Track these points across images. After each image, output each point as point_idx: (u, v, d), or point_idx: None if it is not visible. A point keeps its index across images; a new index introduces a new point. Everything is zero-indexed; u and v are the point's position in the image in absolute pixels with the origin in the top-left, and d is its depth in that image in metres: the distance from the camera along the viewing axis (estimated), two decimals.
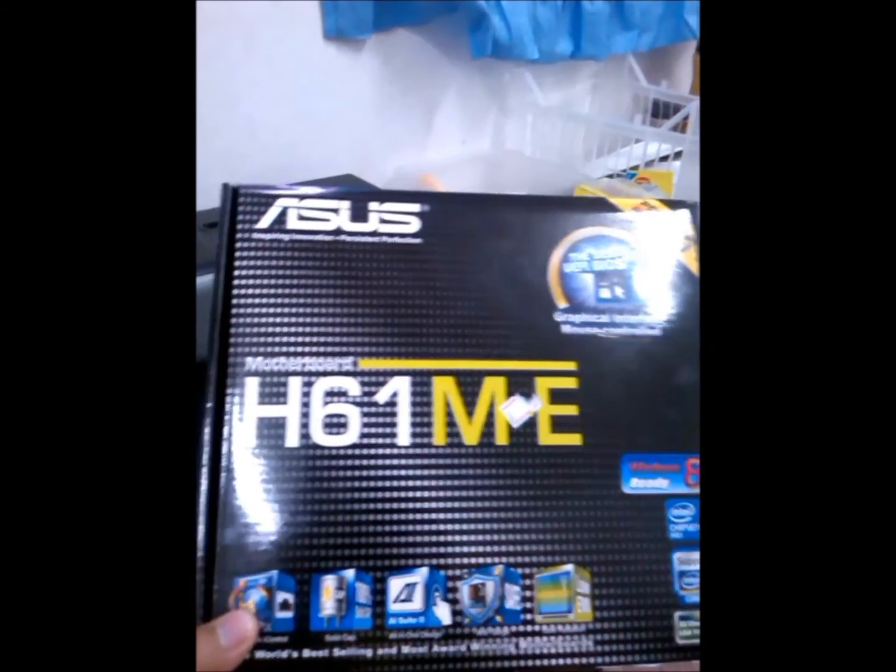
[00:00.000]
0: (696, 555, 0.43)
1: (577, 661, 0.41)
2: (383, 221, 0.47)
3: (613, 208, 0.50)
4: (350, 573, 0.41)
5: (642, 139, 1.11)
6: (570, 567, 0.42)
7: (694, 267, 0.49)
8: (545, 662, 0.41)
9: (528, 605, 0.42)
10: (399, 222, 0.48)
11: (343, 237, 0.47)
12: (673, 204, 0.51)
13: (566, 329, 0.46)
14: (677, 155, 1.11)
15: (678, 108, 1.10)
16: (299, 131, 0.96)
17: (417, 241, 0.47)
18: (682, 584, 0.43)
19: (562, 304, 0.47)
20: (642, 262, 0.49)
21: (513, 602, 0.41)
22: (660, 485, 0.44)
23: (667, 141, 1.09)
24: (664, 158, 1.15)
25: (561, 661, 0.41)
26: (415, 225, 0.48)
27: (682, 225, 0.50)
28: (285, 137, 0.95)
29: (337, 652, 0.40)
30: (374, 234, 0.47)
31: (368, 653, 0.40)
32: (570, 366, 0.45)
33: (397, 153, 1.10)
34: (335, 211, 0.47)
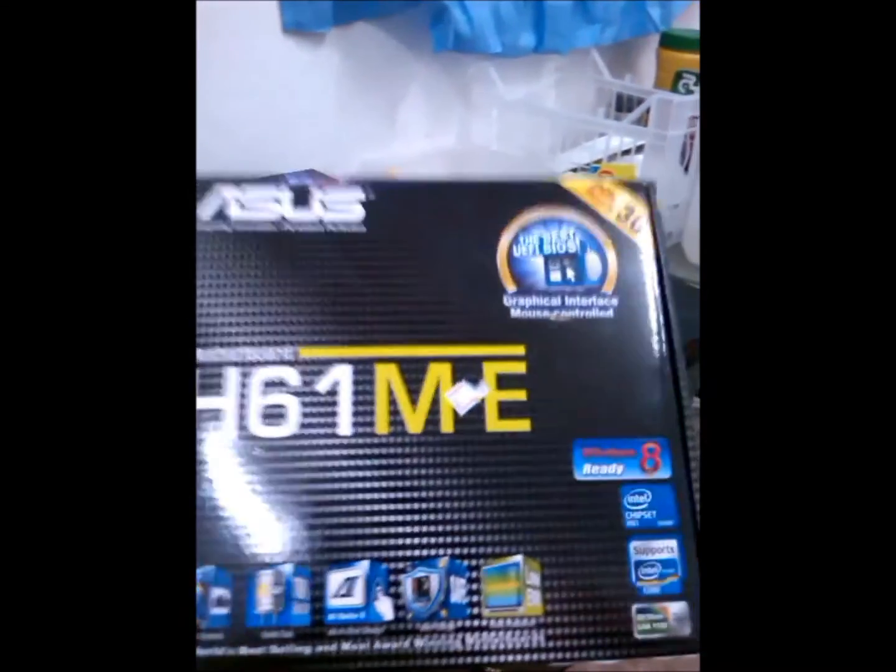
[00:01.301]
0: (653, 543, 0.41)
1: (527, 657, 0.39)
2: (327, 209, 0.46)
3: (566, 190, 0.49)
4: (288, 568, 0.40)
5: (606, 133, 1.10)
6: (518, 558, 0.40)
7: (648, 248, 0.48)
8: (493, 659, 0.39)
9: (475, 598, 0.40)
10: (343, 210, 0.46)
11: (287, 227, 0.45)
12: (629, 185, 0.49)
13: (515, 313, 0.45)
14: (639, 149, 1.09)
15: (641, 102, 1.08)
16: (260, 127, 0.94)
17: (362, 229, 0.46)
18: (639, 574, 0.41)
19: (511, 287, 0.45)
20: (595, 244, 0.47)
21: (459, 596, 0.40)
22: (614, 471, 0.42)
23: (629, 134, 1.08)
24: (626, 152, 1.13)
25: (510, 658, 0.39)
26: (360, 212, 0.46)
27: (638, 205, 0.49)
28: (246, 134, 0.92)
29: (274, 649, 0.38)
30: (318, 223, 0.46)
31: (307, 650, 0.38)
32: (519, 350, 0.44)
33: (362, 148, 1.09)
34: (277, 200, 0.46)
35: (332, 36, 0.98)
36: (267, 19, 0.91)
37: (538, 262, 0.46)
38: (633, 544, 0.41)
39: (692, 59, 1.25)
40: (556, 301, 0.45)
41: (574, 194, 0.48)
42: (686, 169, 1.11)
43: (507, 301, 0.45)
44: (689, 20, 1.36)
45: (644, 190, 0.49)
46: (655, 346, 0.45)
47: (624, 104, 1.20)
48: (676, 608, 0.40)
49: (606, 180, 0.49)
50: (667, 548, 0.41)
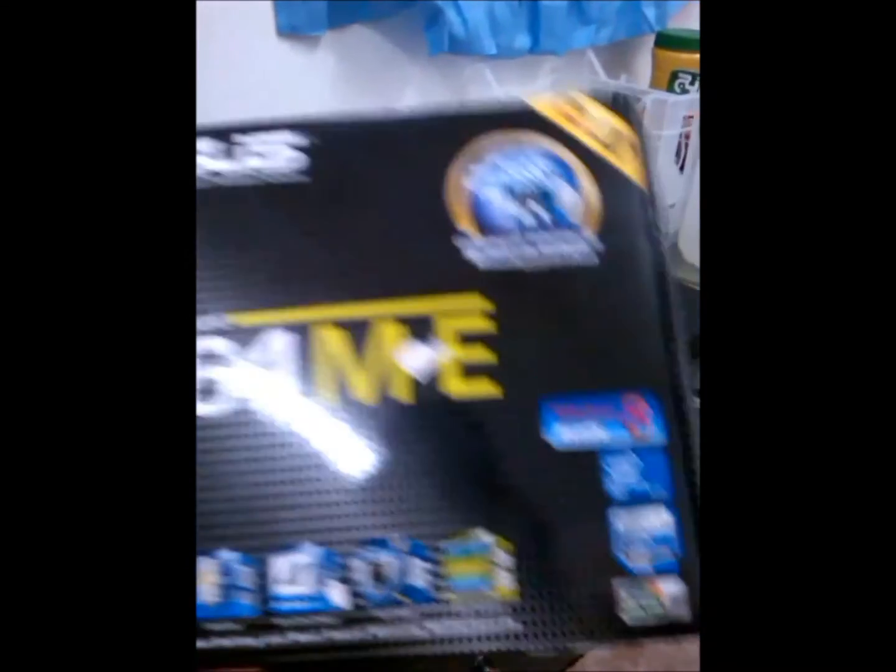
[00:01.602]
0: (641, 515, 0.36)
1: (499, 644, 0.35)
2: (256, 157, 0.41)
3: (531, 111, 0.41)
4: (230, 555, 0.36)
5: None
6: (485, 535, 0.36)
7: (634, 173, 0.41)
8: (461, 647, 0.35)
9: (438, 581, 0.35)
10: (275, 157, 0.41)
11: (218, 180, 0.40)
12: (603, 98, 0.42)
13: (470, 255, 0.39)
14: None
15: (637, 102, 1.07)
16: None
17: (295, 176, 0.40)
18: (625, 549, 0.35)
19: (463, 226, 0.39)
20: (568, 173, 0.40)
21: (419, 579, 0.35)
22: (592, 433, 0.37)
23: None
24: None
25: (481, 646, 0.35)
26: (292, 158, 0.41)
27: (622, 125, 0.41)
28: None
29: (221, 642, 0.35)
30: (245, 173, 0.41)
31: (255, 642, 0.35)
32: (481, 302, 0.38)
33: None
34: (202, 152, 0.41)
35: (326, 39, 0.96)
36: (261, 22, 0.90)
37: (497, 195, 0.40)
38: (619, 516, 0.36)
39: (687, 58, 1.24)
40: (525, 245, 0.39)
41: (541, 115, 0.41)
42: (681, 168, 1.13)
43: (457, 242, 0.39)
44: (685, 20, 1.36)
45: (622, 100, 0.42)
46: (647, 298, 0.39)
47: (619, 104, 1.17)
48: (672, 588, 0.35)
49: (581, 96, 0.41)
50: (659, 520, 0.36)
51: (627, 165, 0.40)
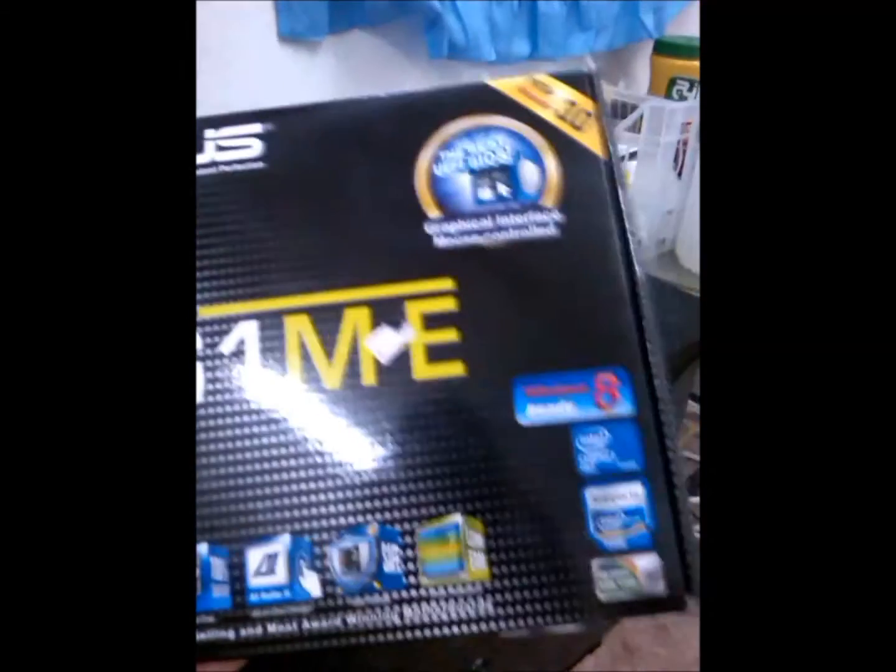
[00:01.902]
0: (613, 490, 0.35)
1: (473, 627, 0.34)
2: (221, 149, 0.41)
3: (494, 92, 0.41)
4: (202, 548, 0.35)
5: None
6: (457, 518, 0.35)
7: (596, 148, 0.40)
8: (435, 632, 0.34)
9: (411, 566, 0.35)
10: (239, 147, 0.41)
11: None
12: (569, 76, 0.41)
13: (440, 242, 0.39)
14: (633, 155, 1.09)
15: (635, 109, 1.10)
16: None
17: (260, 165, 0.40)
18: (598, 526, 0.34)
19: (433, 213, 0.39)
20: (531, 151, 0.40)
21: (392, 565, 0.35)
22: (563, 410, 0.36)
23: (623, 141, 1.09)
24: (620, 158, 1.12)
25: (455, 630, 0.34)
26: (257, 148, 0.41)
27: (581, 98, 0.41)
28: None
29: (196, 635, 0.34)
30: (211, 164, 0.40)
31: (231, 634, 0.34)
32: (447, 284, 0.38)
33: None
34: None
35: (327, 43, 0.97)
36: (263, 27, 0.91)
37: (464, 179, 0.39)
38: (590, 492, 0.35)
39: (685, 65, 1.25)
40: (487, 223, 0.39)
41: (504, 95, 0.41)
42: (679, 175, 1.13)
43: (429, 228, 0.39)
44: (683, 27, 1.37)
45: (587, 79, 0.41)
46: (611, 268, 0.38)
47: (618, 111, 1.19)
48: (646, 562, 0.34)
49: (541, 73, 0.41)
50: (631, 494, 0.35)
51: (590, 140, 0.40)
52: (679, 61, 1.25)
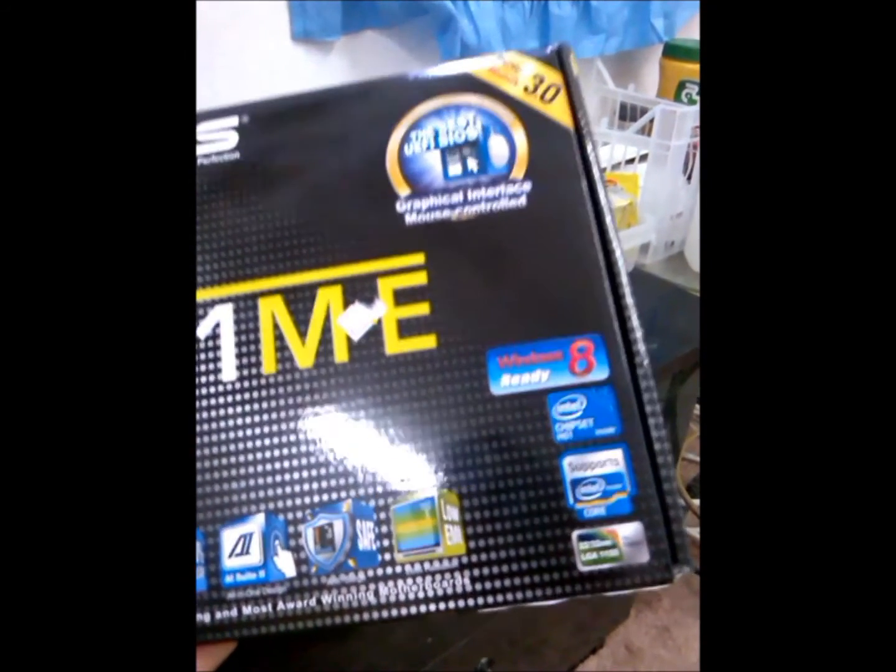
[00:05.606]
0: (591, 457, 0.34)
1: (450, 604, 0.33)
2: (199, 143, 0.41)
3: (466, 75, 0.41)
4: None
5: (609, 142, 1.13)
6: (432, 492, 0.34)
7: (565, 120, 0.39)
8: (412, 610, 0.33)
9: (386, 542, 0.34)
10: (216, 141, 0.41)
11: None
12: (535, 53, 0.41)
13: (411, 219, 0.38)
14: (643, 158, 1.11)
15: (645, 111, 1.10)
16: None
17: (235, 156, 0.41)
18: (577, 495, 0.34)
19: (404, 191, 0.39)
20: (499, 125, 0.39)
21: (367, 542, 0.34)
22: (537, 378, 0.35)
23: (632, 144, 1.11)
24: (630, 161, 1.16)
25: (431, 607, 0.33)
26: (232, 140, 0.41)
27: (549, 73, 0.40)
28: None
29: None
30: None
31: (206, 618, 0.34)
32: (418, 259, 0.38)
33: None
34: None
35: (340, 45, 0.98)
36: (276, 28, 0.92)
37: (434, 157, 0.39)
38: (567, 460, 0.34)
39: (695, 69, 1.26)
40: (457, 197, 0.38)
41: (474, 77, 0.40)
42: (689, 178, 1.14)
43: (399, 207, 0.39)
44: (693, 31, 1.37)
45: (555, 54, 0.40)
46: (583, 234, 0.37)
47: (628, 114, 1.20)
48: (628, 530, 0.33)
49: (516, 55, 0.41)
50: (609, 460, 0.34)
51: (558, 112, 0.39)
52: (688, 65, 1.25)
